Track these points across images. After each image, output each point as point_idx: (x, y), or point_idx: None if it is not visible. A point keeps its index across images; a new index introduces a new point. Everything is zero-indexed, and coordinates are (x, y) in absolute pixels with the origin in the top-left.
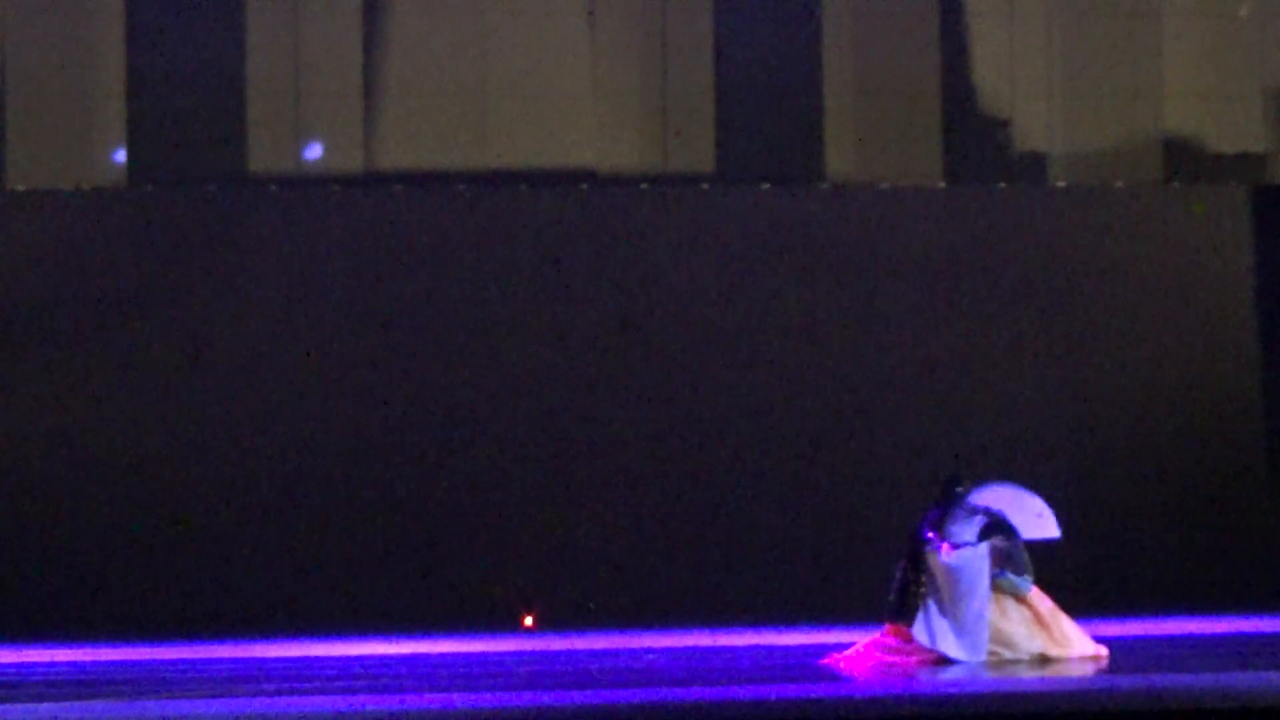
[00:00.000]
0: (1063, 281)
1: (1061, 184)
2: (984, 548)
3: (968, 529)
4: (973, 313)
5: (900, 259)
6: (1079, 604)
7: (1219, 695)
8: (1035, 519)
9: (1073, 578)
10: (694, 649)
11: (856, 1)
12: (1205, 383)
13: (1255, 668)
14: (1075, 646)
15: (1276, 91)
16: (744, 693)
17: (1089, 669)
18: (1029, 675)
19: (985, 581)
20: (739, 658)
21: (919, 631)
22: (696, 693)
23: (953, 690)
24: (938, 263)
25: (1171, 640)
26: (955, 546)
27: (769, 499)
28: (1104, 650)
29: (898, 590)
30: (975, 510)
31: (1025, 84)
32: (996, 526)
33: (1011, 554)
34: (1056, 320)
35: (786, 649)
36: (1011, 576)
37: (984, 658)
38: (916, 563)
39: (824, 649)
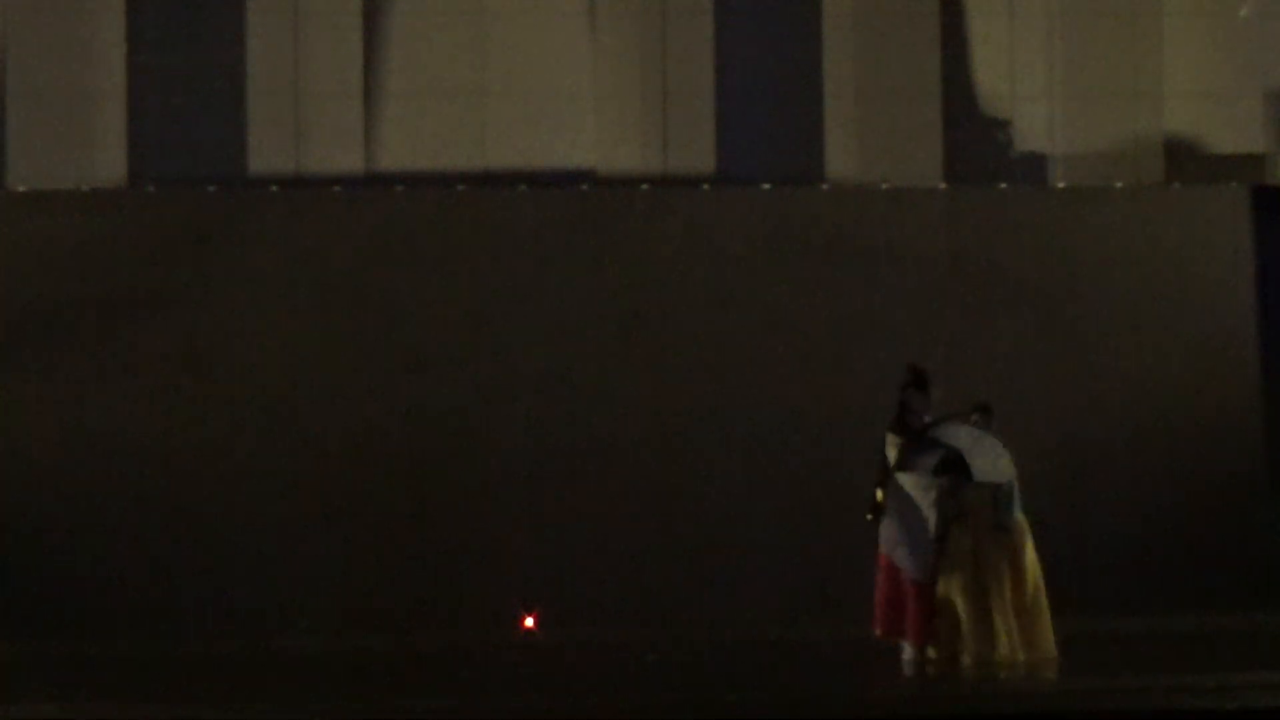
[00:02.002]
0: (1063, 281)
1: (1062, 184)
2: (935, 482)
3: (927, 460)
4: (973, 313)
5: (900, 259)
6: (1077, 603)
7: (1219, 695)
8: (992, 464)
9: (1070, 577)
10: (694, 649)
11: (857, 1)
12: (1205, 383)
13: (1255, 668)
14: (1024, 652)
15: (1277, 92)
16: (743, 692)
17: (1045, 673)
18: (1024, 676)
19: (922, 509)
20: (740, 657)
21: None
22: (696, 693)
23: (948, 689)
24: (938, 263)
25: (1170, 640)
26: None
27: (769, 498)
28: (1054, 655)
29: (871, 490)
30: (938, 443)
31: (1025, 84)
32: (953, 463)
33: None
34: (1056, 320)
35: (787, 649)
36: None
37: (926, 579)
38: (884, 466)
39: (824, 648)
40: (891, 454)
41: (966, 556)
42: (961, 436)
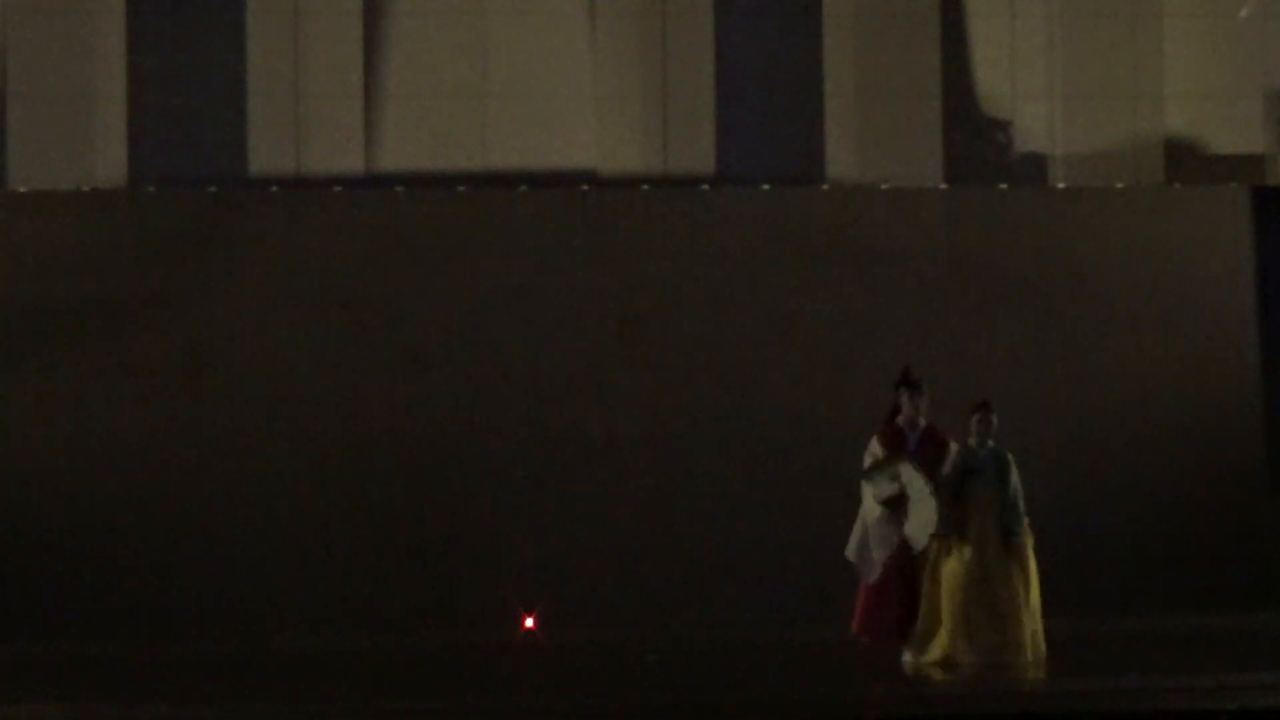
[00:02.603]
0: (1063, 282)
1: (1062, 185)
2: (880, 512)
3: (883, 486)
4: (973, 313)
5: (900, 259)
6: (1077, 603)
7: (1219, 695)
8: (920, 525)
9: (1070, 577)
10: (694, 649)
11: (857, 2)
12: (1205, 383)
13: (1255, 668)
14: (1022, 654)
15: (1277, 92)
16: (742, 693)
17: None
18: (1026, 676)
19: (863, 526)
20: (739, 658)
21: None
22: (695, 693)
23: (947, 690)
24: (938, 264)
25: (1170, 640)
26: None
27: (768, 498)
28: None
29: None
30: (896, 478)
31: (1026, 85)
32: (895, 504)
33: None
34: (1056, 320)
35: (786, 650)
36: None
37: (870, 578)
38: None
39: (824, 649)
40: (867, 458)
41: (971, 562)
42: (914, 486)
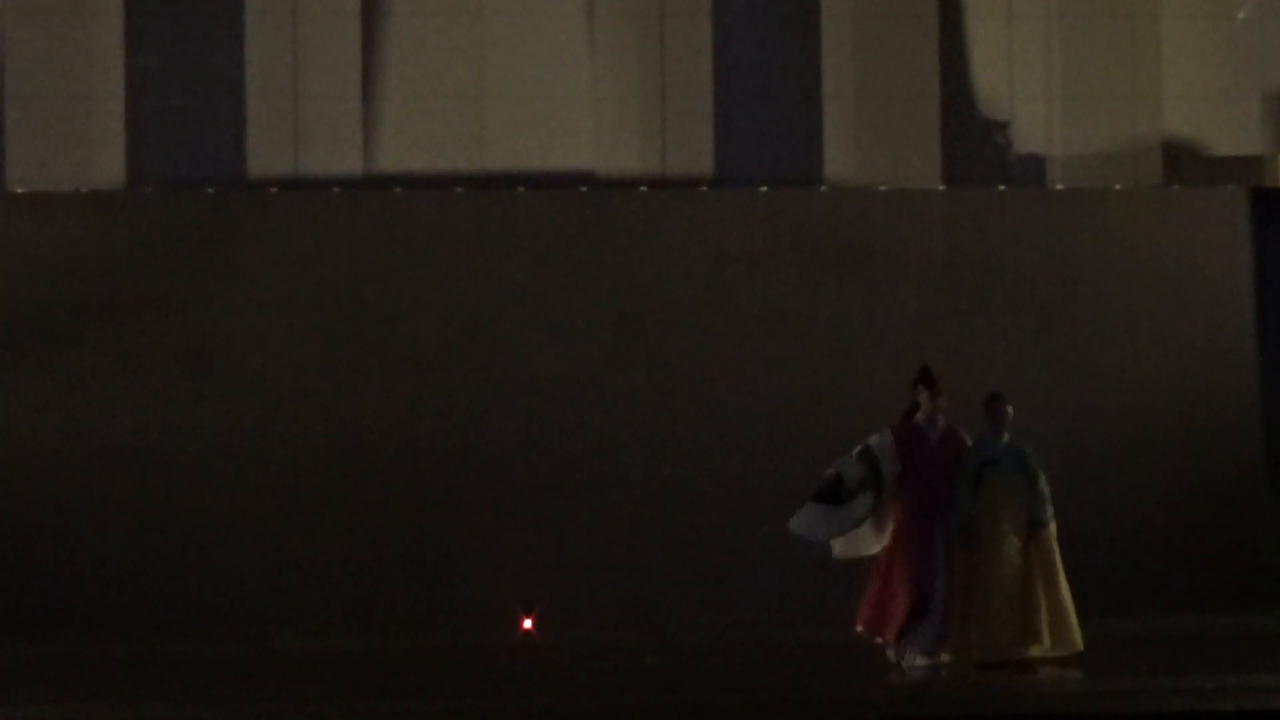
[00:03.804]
0: (1061, 283)
1: (1060, 186)
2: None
3: (849, 468)
4: (972, 315)
5: (899, 261)
6: (1076, 604)
7: (1219, 695)
8: (849, 540)
9: (1070, 578)
10: (693, 650)
11: (855, 3)
12: (1203, 384)
13: (1254, 669)
14: (1055, 647)
15: (1275, 94)
16: (742, 694)
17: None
18: (1026, 677)
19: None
20: (739, 659)
21: None
22: (695, 694)
23: (946, 692)
24: (937, 265)
25: (1171, 640)
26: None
27: (768, 498)
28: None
29: None
30: (864, 486)
31: (1024, 86)
32: (831, 492)
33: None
34: (1055, 322)
35: (786, 651)
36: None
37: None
38: None
39: (824, 650)
40: (874, 439)
41: (992, 554)
42: (861, 499)
